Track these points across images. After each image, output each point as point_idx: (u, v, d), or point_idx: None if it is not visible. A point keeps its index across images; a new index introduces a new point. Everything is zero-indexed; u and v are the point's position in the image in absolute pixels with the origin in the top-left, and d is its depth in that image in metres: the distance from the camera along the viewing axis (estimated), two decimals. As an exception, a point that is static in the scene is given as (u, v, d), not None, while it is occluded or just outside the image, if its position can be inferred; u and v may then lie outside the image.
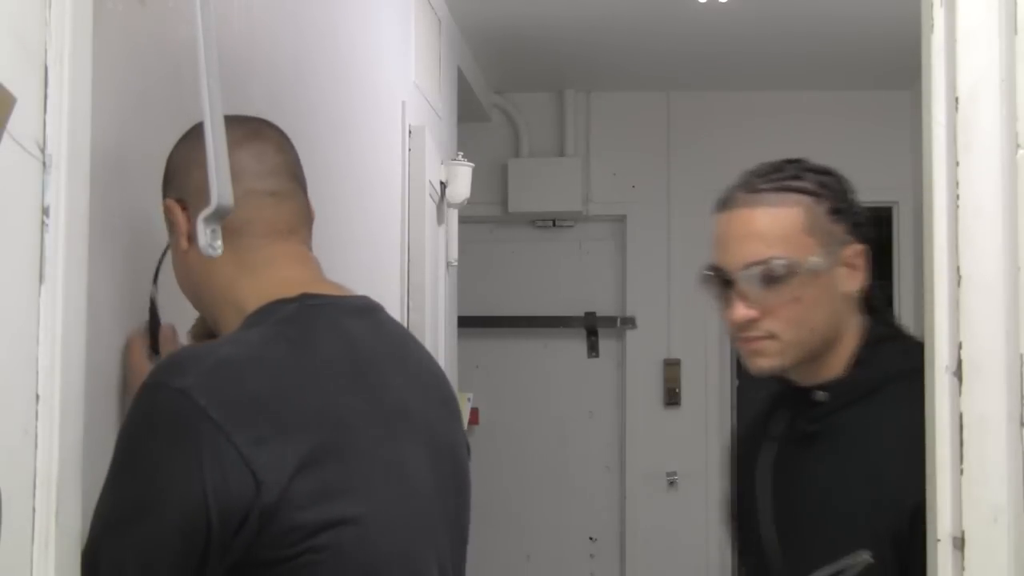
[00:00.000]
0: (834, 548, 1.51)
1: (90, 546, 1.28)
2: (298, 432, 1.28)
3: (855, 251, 1.60)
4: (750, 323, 1.56)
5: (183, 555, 1.24)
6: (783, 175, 1.61)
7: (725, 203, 1.62)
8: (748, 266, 1.55)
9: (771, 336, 1.56)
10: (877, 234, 1.66)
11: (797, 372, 1.63)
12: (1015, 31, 1.32)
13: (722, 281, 1.58)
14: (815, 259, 1.57)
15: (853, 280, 1.60)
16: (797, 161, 1.65)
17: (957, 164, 1.36)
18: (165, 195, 1.47)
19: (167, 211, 1.45)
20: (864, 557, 1.49)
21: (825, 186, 1.62)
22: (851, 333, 1.62)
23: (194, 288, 1.47)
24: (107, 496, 1.29)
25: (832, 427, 1.59)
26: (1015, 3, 1.33)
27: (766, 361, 1.58)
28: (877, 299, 1.66)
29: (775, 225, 1.57)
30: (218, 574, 1.25)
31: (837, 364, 1.60)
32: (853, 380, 1.59)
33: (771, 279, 1.55)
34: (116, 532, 1.26)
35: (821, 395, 1.60)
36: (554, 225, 5.61)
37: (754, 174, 1.62)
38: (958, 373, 1.35)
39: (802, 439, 1.62)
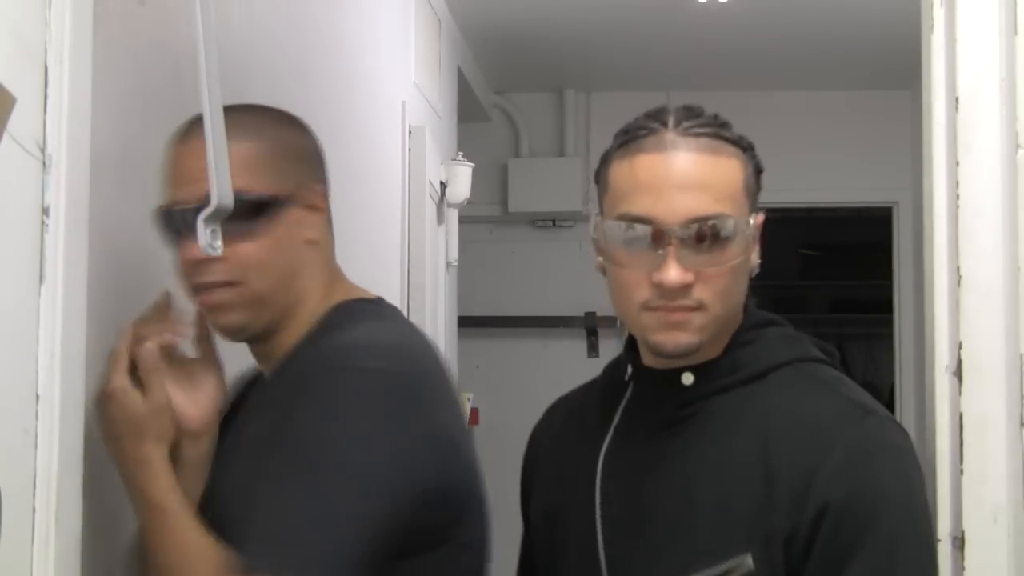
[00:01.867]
0: (704, 548, 1.26)
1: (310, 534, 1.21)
2: (459, 415, 1.35)
3: (760, 222, 1.34)
4: (683, 289, 1.27)
5: (390, 535, 1.23)
6: (711, 120, 1.35)
7: (649, 144, 1.31)
8: (692, 221, 1.27)
9: (700, 307, 1.28)
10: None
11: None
12: (1015, 31, 1.32)
13: (647, 237, 1.28)
14: (754, 223, 1.32)
15: (756, 254, 1.35)
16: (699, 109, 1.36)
17: (957, 164, 1.36)
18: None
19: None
20: (747, 562, 1.23)
21: (748, 141, 1.37)
22: (740, 314, 1.37)
23: (285, 278, 1.39)
24: (303, 483, 1.22)
25: (704, 413, 1.33)
26: (1015, 3, 1.33)
27: (687, 337, 1.29)
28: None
29: (720, 177, 1.30)
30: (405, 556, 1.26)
31: (719, 345, 1.34)
32: (732, 363, 1.34)
33: (715, 240, 1.27)
34: (346, 513, 1.22)
35: (689, 378, 1.34)
36: (554, 225, 5.60)
37: (677, 115, 1.33)
38: (958, 373, 1.35)
39: (661, 429, 1.35)
